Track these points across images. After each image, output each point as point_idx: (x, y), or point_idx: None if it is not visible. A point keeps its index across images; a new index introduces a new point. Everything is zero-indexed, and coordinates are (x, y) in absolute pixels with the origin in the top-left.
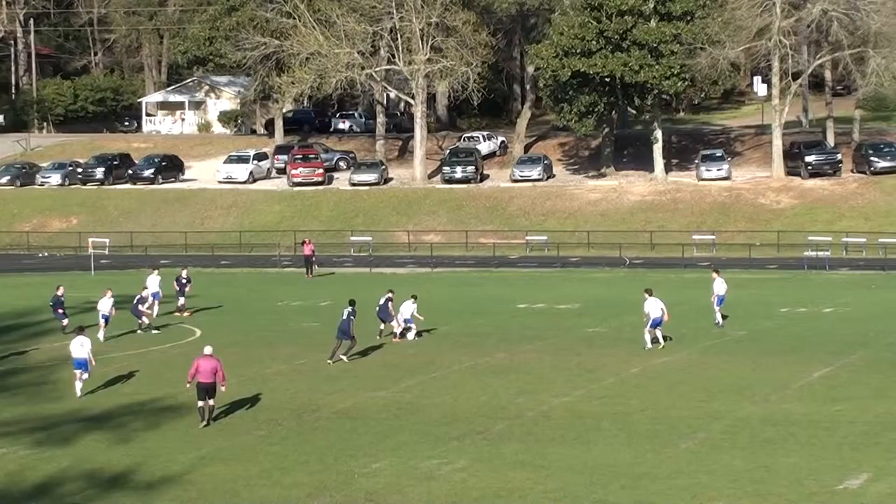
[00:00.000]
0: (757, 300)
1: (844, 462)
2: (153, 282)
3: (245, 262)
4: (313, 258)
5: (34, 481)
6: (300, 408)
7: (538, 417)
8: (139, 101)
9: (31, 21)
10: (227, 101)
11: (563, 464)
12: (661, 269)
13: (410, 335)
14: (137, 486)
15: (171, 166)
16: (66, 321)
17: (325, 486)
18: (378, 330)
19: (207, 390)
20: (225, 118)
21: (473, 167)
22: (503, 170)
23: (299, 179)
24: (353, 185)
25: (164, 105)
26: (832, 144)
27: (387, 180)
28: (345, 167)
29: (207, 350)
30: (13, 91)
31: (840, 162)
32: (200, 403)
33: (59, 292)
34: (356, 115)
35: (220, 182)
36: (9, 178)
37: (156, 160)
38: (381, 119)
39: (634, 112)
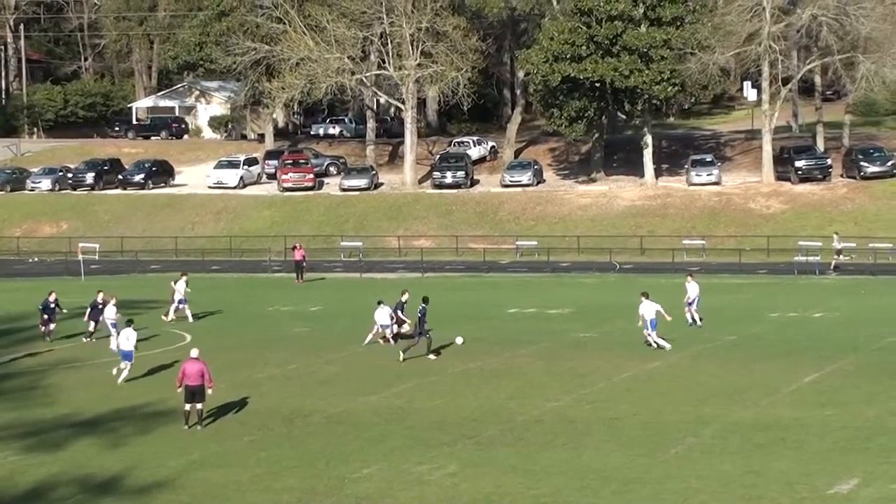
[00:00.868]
0: (747, 305)
1: (835, 467)
2: (181, 287)
3: (235, 268)
4: (304, 263)
5: (25, 486)
6: (291, 413)
7: (529, 422)
8: (130, 106)
9: (22, 26)
10: (217, 106)
11: (554, 469)
12: (652, 274)
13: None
14: (128, 491)
15: (161, 171)
16: (52, 326)
17: (316, 491)
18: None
19: (195, 393)
20: (215, 123)
21: (464, 172)
22: (493, 175)
23: (289, 184)
24: (344, 190)
25: (154, 110)
26: (822, 149)
27: (377, 185)
28: (335, 172)
29: (194, 353)
30: (4, 96)
31: (830, 167)
32: (187, 407)
33: (51, 298)
34: (346, 120)
35: (210, 187)
36: None
37: (146, 165)
38: (371, 124)
39: (624, 117)
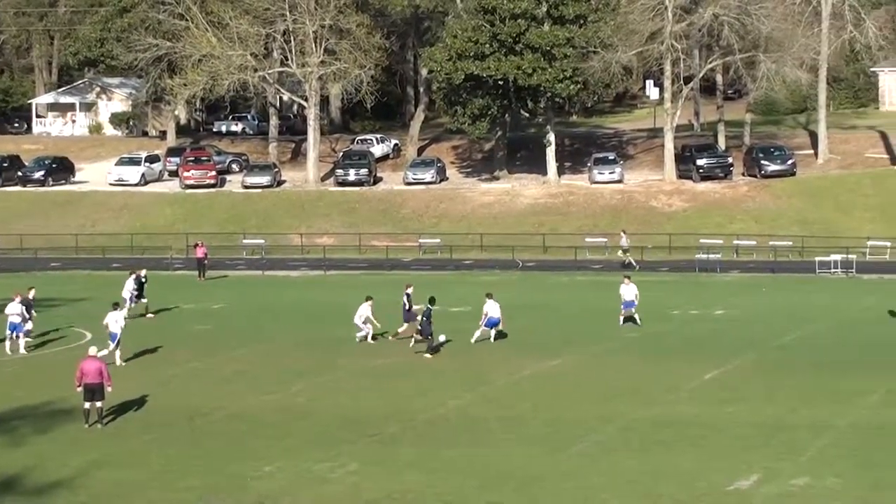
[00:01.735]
0: (649, 302)
1: (735, 463)
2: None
3: (137, 265)
4: (206, 261)
5: None
6: (193, 411)
7: (431, 420)
8: (29, 102)
9: None
10: (118, 102)
11: (455, 466)
12: (555, 272)
13: (360, 334)
14: (28, 491)
15: (61, 168)
16: None
17: (218, 489)
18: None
19: (94, 391)
20: (116, 120)
21: (367, 170)
22: (396, 172)
23: (191, 182)
24: (246, 187)
25: (54, 107)
26: (723, 148)
27: (280, 183)
28: (237, 169)
29: (92, 351)
30: None
31: (731, 165)
32: (87, 405)
33: None
34: (249, 117)
35: (111, 184)
36: None
37: (46, 162)
38: (274, 121)
39: (527, 115)
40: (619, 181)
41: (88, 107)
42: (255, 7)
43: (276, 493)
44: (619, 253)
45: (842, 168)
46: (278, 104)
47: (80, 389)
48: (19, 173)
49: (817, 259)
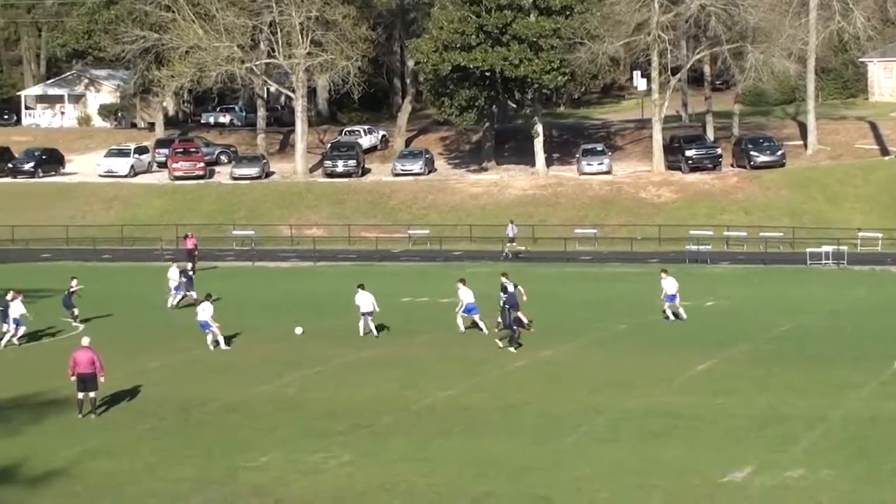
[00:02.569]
0: (639, 294)
1: (728, 455)
2: (174, 274)
3: (127, 257)
4: (196, 252)
5: None
6: (185, 402)
7: (423, 411)
8: (18, 94)
9: None
10: (107, 94)
11: (448, 457)
12: (543, 263)
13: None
14: (22, 481)
15: (51, 160)
16: None
17: (211, 480)
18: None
19: (87, 381)
20: (105, 112)
21: (355, 161)
22: (385, 164)
23: (180, 173)
24: (235, 179)
25: (43, 98)
26: (712, 139)
27: (268, 174)
28: (226, 161)
29: (85, 341)
30: None
31: (720, 156)
32: (80, 395)
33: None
34: (237, 108)
35: (100, 176)
36: None
37: (36, 154)
38: (261, 113)
39: (515, 106)
40: (608, 172)
41: (77, 98)
42: None
43: (268, 484)
44: (507, 244)
45: (831, 159)
46: (266, 96)
47: (73, 379)
48: (9, 165)
49: (808, 250)
